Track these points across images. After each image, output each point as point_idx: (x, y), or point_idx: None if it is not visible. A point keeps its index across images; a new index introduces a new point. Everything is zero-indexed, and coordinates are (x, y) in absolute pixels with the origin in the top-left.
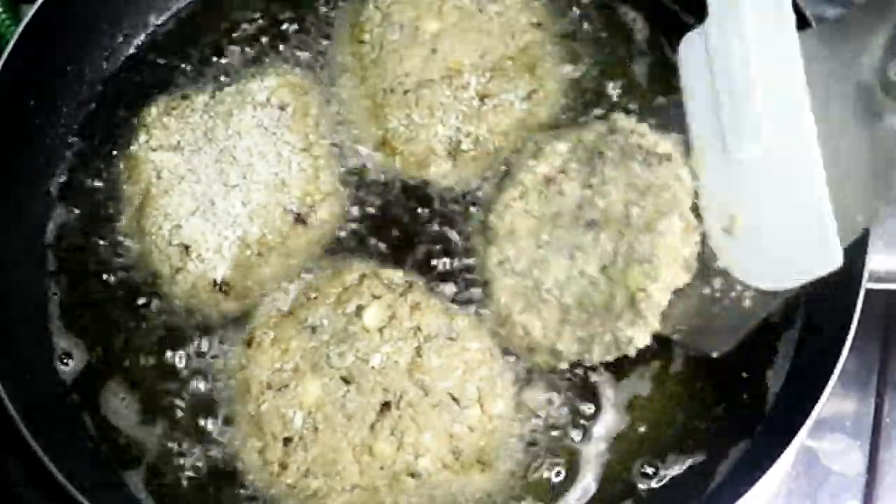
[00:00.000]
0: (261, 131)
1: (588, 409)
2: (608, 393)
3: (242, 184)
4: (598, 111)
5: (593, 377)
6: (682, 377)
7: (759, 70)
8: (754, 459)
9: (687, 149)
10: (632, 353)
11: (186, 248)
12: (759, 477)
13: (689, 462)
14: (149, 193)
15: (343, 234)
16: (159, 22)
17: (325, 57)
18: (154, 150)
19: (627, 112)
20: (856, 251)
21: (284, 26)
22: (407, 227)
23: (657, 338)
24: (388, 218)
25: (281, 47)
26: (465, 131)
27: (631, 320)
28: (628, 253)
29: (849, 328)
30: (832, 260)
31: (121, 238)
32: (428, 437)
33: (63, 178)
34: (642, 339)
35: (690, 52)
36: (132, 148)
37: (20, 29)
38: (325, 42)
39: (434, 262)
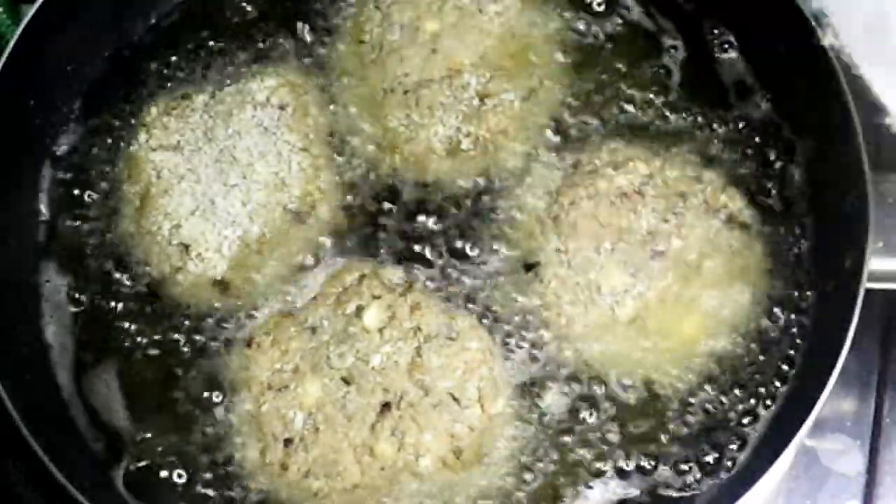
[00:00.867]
0: (261, 131)
1: (591, 407)
2: (609, 389)
3: (242, 183)
4: (598, 110)
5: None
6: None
7: None
8: (754, 459)
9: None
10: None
11: (186, 247)
12: (759, 477)
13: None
14: (148, 193)
15: (343, 233)
16: (159, 22)
17: (324, 57)
18: (154, 149)
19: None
20: (856, 251)
21: (284, 26)
22: (407, 227)
23: None
24: (388, 218)
25: (281, 47)
26: (466, 131)
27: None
28: (693, 299)
29: (849, 328)
30: None
31: (120, 237)
32: (429, 437)
33: (62, 178)
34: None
35: None
36: (132, 148)
37: (20, 29)
38: (325, 42)
39: (434, 261)
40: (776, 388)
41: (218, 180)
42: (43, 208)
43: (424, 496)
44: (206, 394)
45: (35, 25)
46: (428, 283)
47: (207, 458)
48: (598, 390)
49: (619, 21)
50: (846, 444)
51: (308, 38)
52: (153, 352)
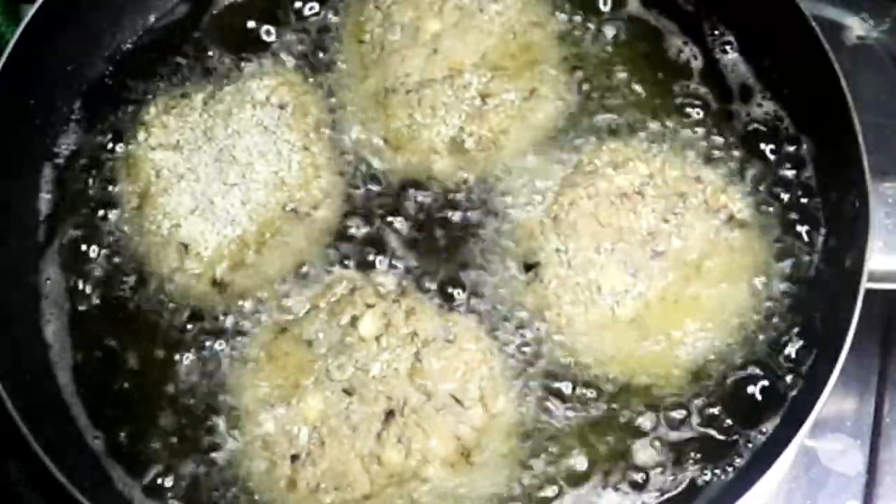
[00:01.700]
0: (260, 130)
1: (590, 393)
2: (608, 387)
3: (242, 183)
4: (598, 110)
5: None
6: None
7: None
8: (755, 459)
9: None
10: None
11: (185, 246)
12: (759, 477)
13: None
14: (148, 192)
15: (343, 233)
16: (158, 21)
17: (325, 56)
18: (153, 148)
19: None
20: (856, 251)
21: (284, 26)
22: (408, 227)
23: None
24: (388, 218)
25: (281, 46)
26: (468, 130)
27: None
28: (693, 299)
29: (849, 328)
30: None
31: (120, 237)
32: (434, 441)
33: (62, 178)
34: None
35: None
36: (131, 147)
37: (20, 29)
38: (325, 41)
39: (434, 261)
40: (776, 388)
41: (217, 179)
42: (43, 208)
43: (435, 498)
44: (209, 398)
45: (35, 25)
46: (428, 283)
47: (212, 469)
48: (598, 390)
49: (620, 21)
50: (846, 444)
51: (308, 37)
52: (152, 352)
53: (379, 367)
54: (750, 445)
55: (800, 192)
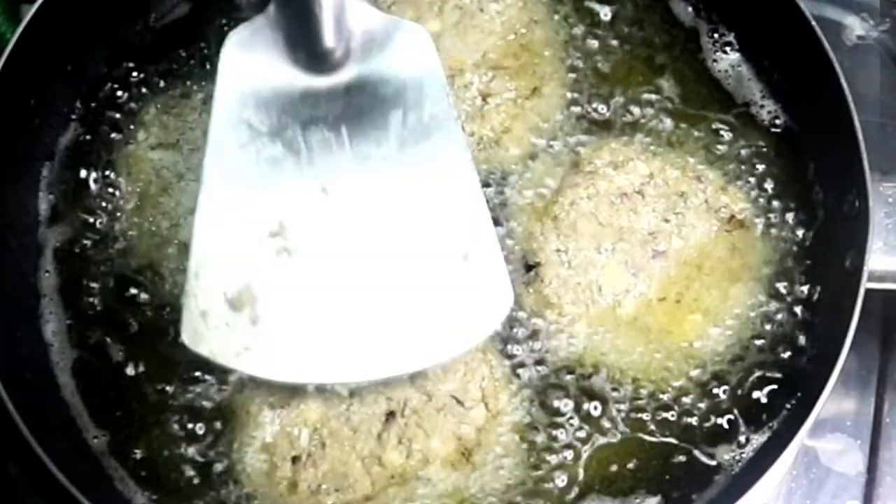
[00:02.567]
0: None
1: (594, 407)
2: (607, 386)
3: None
4: (599, 109)
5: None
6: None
7: None
8: (754, 459)
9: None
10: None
11: (186, 246)
12: (759, 477)
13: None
14: (148, 192)
15: None
16: (158, 21)
17: None
18: (153, 148)
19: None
20: (856, 251)
21: None
22: None
23: None
24: None
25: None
26: (469, 130)
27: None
28: (694, 299)
29: (849, 328)
30: None
31: (119, 237)
32: (436, 441)
33: (62, 178)
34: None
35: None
36: (131, 146)
37: (20, 29)
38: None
39: None
40: (776, 387)
41: None
42: (42, 208)
43: (436, 499)
44: (207, 401)
45: (35, 25)
46: None
47: (212, 471)
48: (598, 389)
49: (620, 21)
50: (846, 444)
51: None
52: (152, 353)
53: None
54: (750, 445)
55: (799, 191)
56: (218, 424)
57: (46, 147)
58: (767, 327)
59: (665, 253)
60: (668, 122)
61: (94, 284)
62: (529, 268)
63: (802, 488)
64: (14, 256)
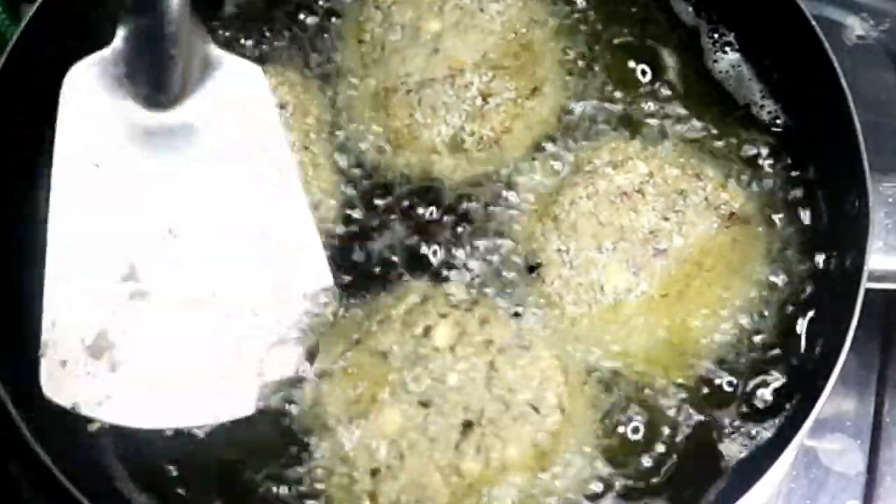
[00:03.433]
0: None
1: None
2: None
3: None
4: (599, 109)
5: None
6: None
7: None
8: (754, 459)
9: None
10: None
11: None
12: (759, 477)
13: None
14: None
15: (343, 233)
16: None
17: (325, 56)
18: None
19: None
20: (856, 251)
21: (283, 26)
22: (409, 227)
23: None
24: (389, 218)
25: (280, 46)
26: (469, 130)
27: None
28: (697, 295)
29: (849, 328)
30: None
31: None
32: (513, 450)
33: None
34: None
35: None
36: None
37: (20, 29)
38: (325, 41)
39: (435, 262)
40: (776, 387)
41: None
42: (42, 208)
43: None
44: (288, 436)
45: (35, 25)
46: (427, 283)
47: (292, 495)
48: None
49: (620, 20)
50: (846, 444)
51: (308, 37)
52: None
53: (455, 378)
54: (750, 445)
55: (800, 191)
56: (305, 440)
57: (47, 147)
58: (767, 327)
59: (666, 251)
60: (668, 122)
61: None
62: (531, 269)
63: (802, 488)
64: (14, 256)
